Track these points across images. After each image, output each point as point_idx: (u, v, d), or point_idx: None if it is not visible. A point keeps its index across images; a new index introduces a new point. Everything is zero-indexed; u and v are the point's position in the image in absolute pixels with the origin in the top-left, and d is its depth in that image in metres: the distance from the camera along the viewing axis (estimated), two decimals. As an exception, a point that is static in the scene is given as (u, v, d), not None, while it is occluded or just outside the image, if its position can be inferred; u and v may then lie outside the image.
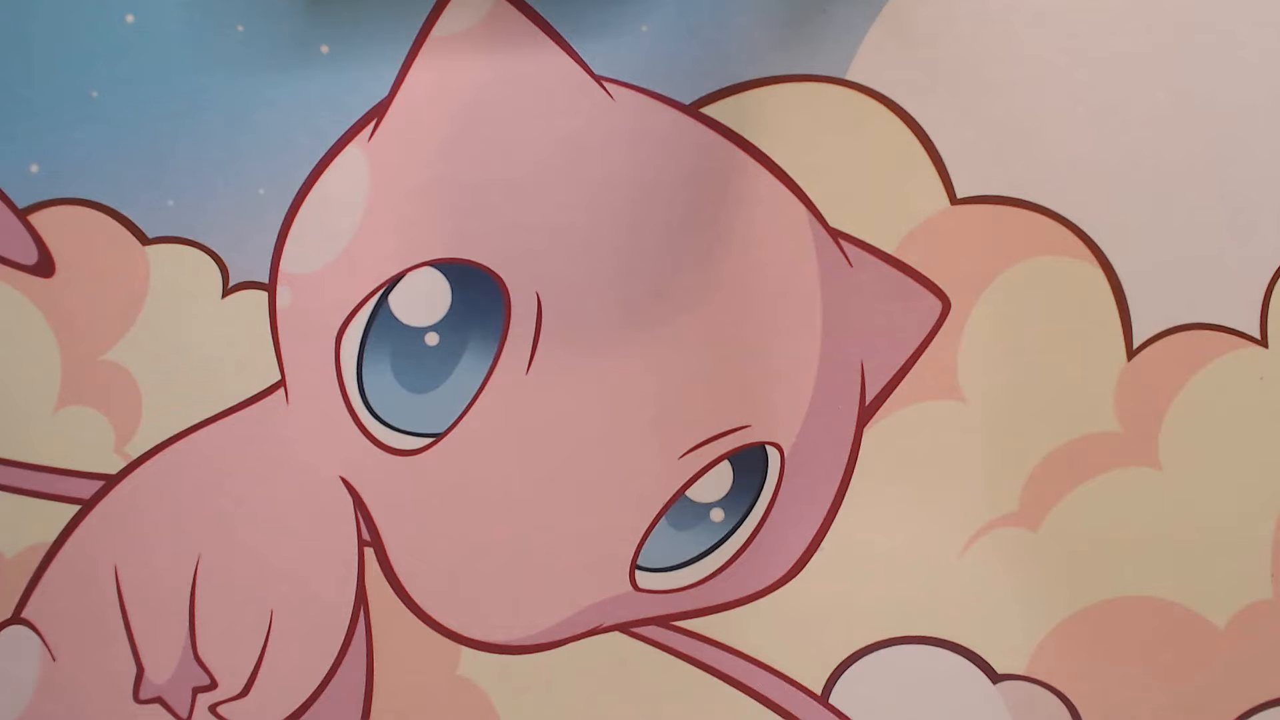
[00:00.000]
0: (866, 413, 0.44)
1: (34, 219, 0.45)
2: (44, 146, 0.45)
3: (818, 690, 0.45)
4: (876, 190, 0.43)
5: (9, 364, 0.46)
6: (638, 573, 0.45)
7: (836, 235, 0.43)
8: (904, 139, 0.43)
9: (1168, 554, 0.44)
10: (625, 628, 0.46)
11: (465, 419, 0.45)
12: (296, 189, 0.44)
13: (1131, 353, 0.43)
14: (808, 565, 0.45)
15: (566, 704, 0.46)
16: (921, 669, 0.45)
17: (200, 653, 0.46)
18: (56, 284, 0.46)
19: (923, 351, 0.44)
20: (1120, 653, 0.44)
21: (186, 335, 0.45)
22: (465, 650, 0.46)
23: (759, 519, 0.45)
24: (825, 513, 0.45)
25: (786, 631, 0.45)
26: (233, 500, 0.46)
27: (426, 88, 0.44)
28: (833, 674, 0.45)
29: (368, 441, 0.45)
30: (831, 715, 0.45)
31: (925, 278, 0.43)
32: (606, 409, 0.44)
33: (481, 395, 0.45)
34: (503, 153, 0.44)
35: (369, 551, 0.46)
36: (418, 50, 0.44)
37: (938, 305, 0.43)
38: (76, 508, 0.46)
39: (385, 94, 0.44)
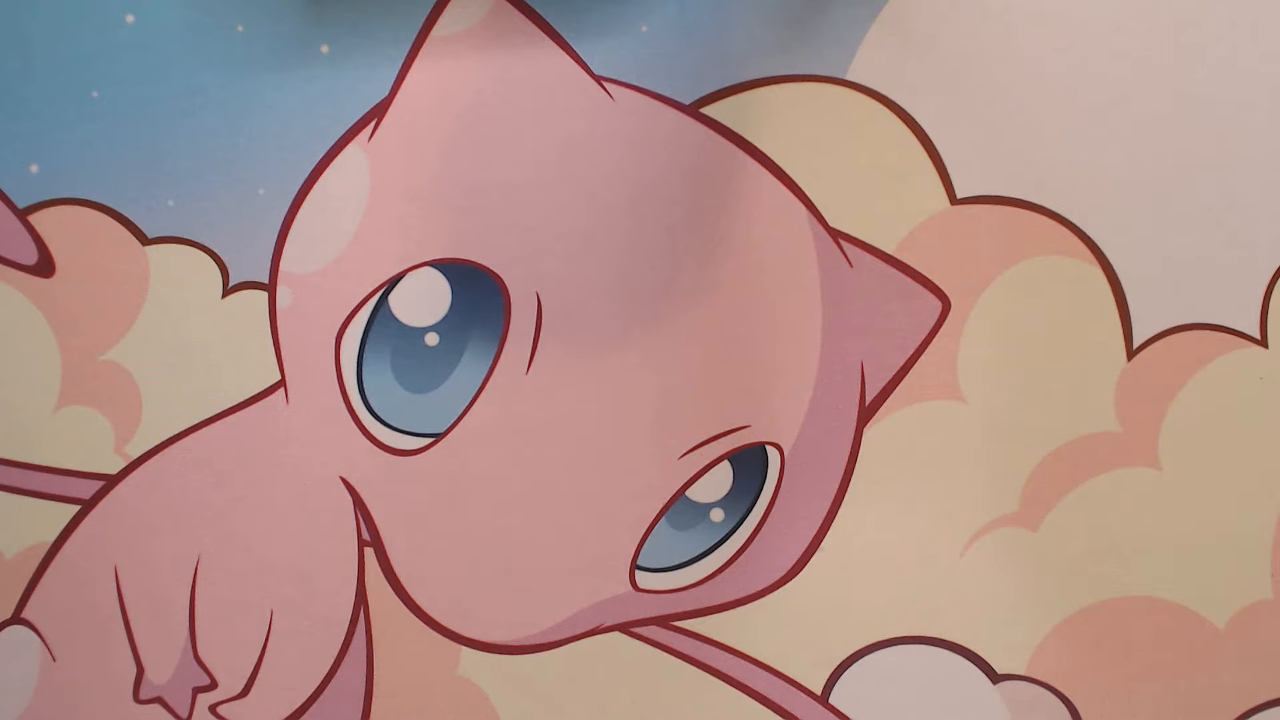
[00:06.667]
0: (866, 413, 0.44)
1: (34, 219, 0.45)
2: (44, 146, 0.45)
3: (818, 690, 0.45)
4: (876, 190, 0.43)
5: (9, 364, 0.46)
6: (638, 573, 0.45)
7: (836, 235, 0.43)
8: (904, 139, 0.43)
9: (1168, 554, 0.44)
10: (625, 628, 0.46)
11: (465, 419, 0.45)
12: (296, 189, 0.44)
13: (1131, 353, 0.43)
14: (808, 565, 0.45)
15: (566, 704, 0.46)
16: (921, 669, 0.45)
17: (200, 653, 0.46)
18: (56, 284, 0.46)
19: (923, 351, 0.44)
20: (1120, 653, 0.44)
21: (186, 335, 0.45)
22: (465, 650, 0.46)
23: (759, 519, 0.45)
24: (825, 513, 0.45)
25: (786, 631, 0.45)
26: (233, 500, 0.46)
27: (426, 88, 0.44)
28: (833, 674, 0.45)
29: (368, 441, 0.45)
30: (831, 715, 0.45)
31: (925, 278, 0.43)
32: (606, 409, 0.44)
33: (481, 395, 0.45)
34: (503, 153, 0.44)
35: (369, 551, 0.46)
36: (418, 50, 0.44)
37: (938, 305, 0.43)
38: (76, 508, 0.46)
39: (385, 94, 0.44)
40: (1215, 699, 0.44)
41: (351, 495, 0.46)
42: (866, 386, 0.44)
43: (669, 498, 0.45)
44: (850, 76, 0.43)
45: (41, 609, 0.47)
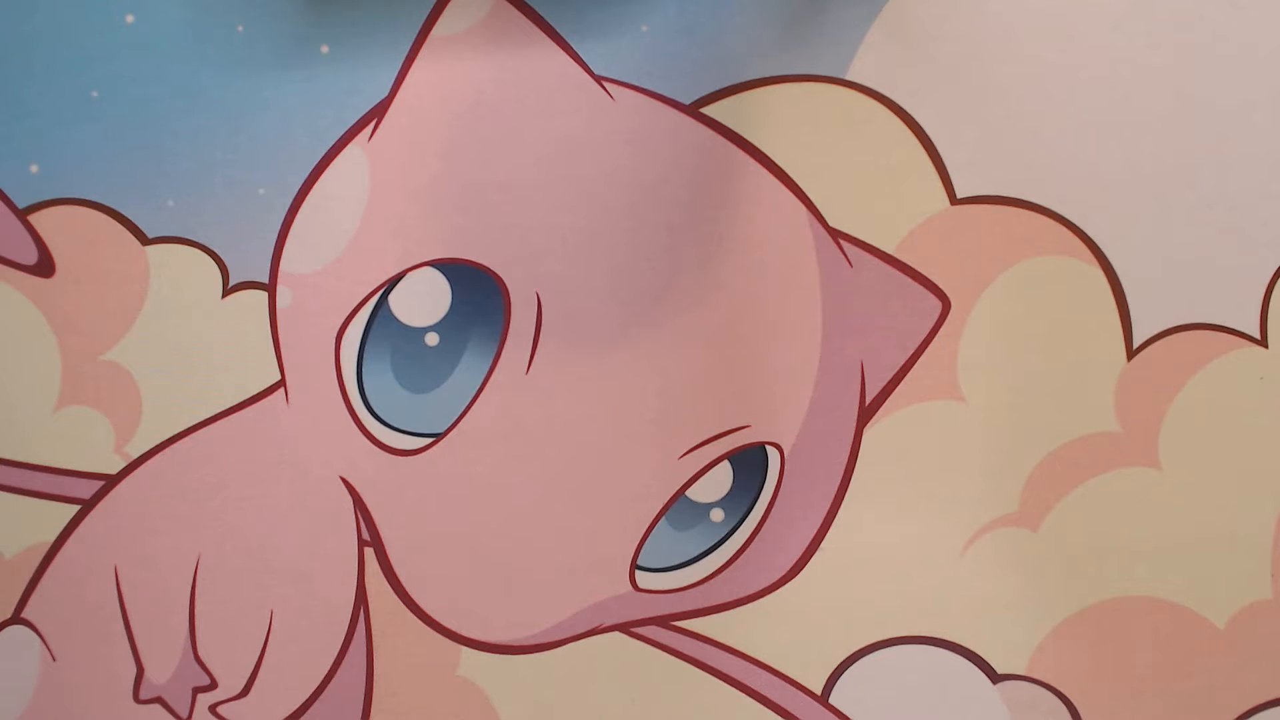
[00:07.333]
0: (866, 413, 0.44)
1: (34, 219, 0.45)
2: (44, 146, 0.45)
3: (818, 690, 0.45)
4: (876, 190, 0.43)
5: (9, 364, 0.46)
6: (638, 573, 0.45)
7: (836, 235, 0.43)
8: (904, 139, 0.43)
9: (1168, 554, 0.44)
10: (625, 628, 0.46)
11: (465, 419, 0.45)
12: (296, 189, 0.44)
13: (1131, 353, 0.43)
14: (808, 565, 0.45)
15: (566, 704, 0.46)
16: (921, 669, 0.45)
17: (200, 653, 0.46)
18: (56, 284, 0.46)
19: (923, 351, 0.44)
20: (1120, 653, 0.44)
21: (186, 335, 0.45)
22: (465, 650, 0.46)
23: (759, 519, 0.45)
24: (825, 513, 0.45)
25: (786, 631, 0.45)
26: (233, 500, 0.46)
27: (426, 88, 0.44)
28: (833, 674, 0.45)
29: (368, 441, 0.45)
30: (831, 715, 0.45)
31: (925, 278, 0.43)
32: (606, 409, 0.44)
33: (481, 395, 0.45)
34: (503, 153, 0.44)
35: (369, 551, 0.46)
36: (418, 50, 0.44)
37: (938, 305, 0.43)
38: (76, 508, 0.46)
39: (385, 94, 0.44)
40: (1215, 699, 0.44)
41: (351, 495, 0.46)
42: (866, 386, 0.44)
43: (669, 498, 0.45)
44: (850, 76, 0.43)
45: (41, 609, 0.47)
